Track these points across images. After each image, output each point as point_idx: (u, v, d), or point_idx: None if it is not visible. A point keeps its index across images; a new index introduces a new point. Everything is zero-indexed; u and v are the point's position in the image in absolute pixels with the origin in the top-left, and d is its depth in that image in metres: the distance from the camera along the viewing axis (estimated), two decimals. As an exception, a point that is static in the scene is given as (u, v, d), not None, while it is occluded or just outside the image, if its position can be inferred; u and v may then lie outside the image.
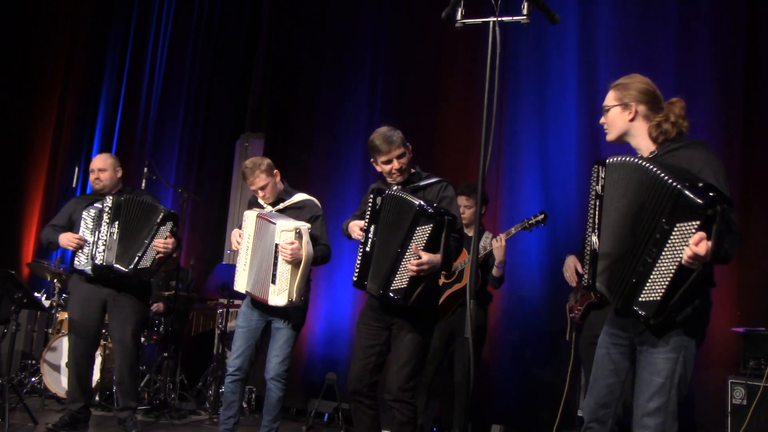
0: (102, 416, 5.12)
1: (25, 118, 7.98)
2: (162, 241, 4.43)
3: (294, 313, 4.09)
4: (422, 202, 3.14)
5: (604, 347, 2.66)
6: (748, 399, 3.89)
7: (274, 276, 3.87)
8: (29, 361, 6.02)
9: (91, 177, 4.69)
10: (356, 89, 6.45)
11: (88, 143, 8.10)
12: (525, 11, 2.57)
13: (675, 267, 2.22)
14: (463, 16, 2.66)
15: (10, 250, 7.58)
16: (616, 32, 5.15)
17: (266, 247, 3.94)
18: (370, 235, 3.33)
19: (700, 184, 2.22)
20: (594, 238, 2.52)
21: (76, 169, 8.00)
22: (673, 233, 2.23)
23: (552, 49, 5.43)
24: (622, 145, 2.70)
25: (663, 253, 2.26)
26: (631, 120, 2.62)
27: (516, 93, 5.51)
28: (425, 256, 3.13)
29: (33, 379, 5.82)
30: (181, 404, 5.74)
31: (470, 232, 4.75)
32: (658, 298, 2.27)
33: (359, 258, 3.36)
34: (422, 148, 5.91)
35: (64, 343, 5.54)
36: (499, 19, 2.57)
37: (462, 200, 4.73)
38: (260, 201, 4.26)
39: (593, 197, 2.55)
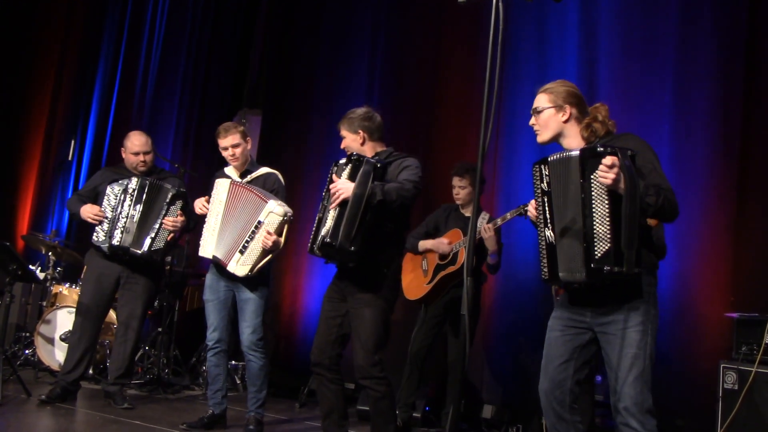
0: (91, 389, 5.13)
1: (22, 91, 7.91)
2: (171, 220, 4.50)
3: (258, 282, 4.13)
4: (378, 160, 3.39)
5: (558, 330, 2.78)
6: (740, 384, 3.90)
7: (244, 248, 3.96)
8: (23, 334, 6.02)
9: (136, 159, 4.65)
10: (355, 66, 6.40)
11: (85, 117, 8.05)
12: (528, -12, 2.54)
13: (607, 209, 2.41)
14: (466, -8, 2.63)
15: (5, 223, 7.57)
16: (617, 14, 5.10)
17: (247, 219, 4.00)
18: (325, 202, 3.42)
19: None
20: (548, 233, 2.63)
21: (72, 142, 7.96)
22: (592, 185, 2.46)
23: (552, 31, 5.38)
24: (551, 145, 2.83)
25: (594, 207, 2.45)
26: (566, 121, 2.75)
27: (516, 74, 5.46)
28: (337, 179, 3.27)
29: (27, 351, 5.82)
30: (174, 379, 5.75)
31: (467, 213, 4.74)
32: (609, 245, 2.41)
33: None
34: (420, 125, 5.89)
35: (59, 315, 5.54)
36: (502, -5, 2.53)
37: (455, 181, 4.70)
38: (227, 171, 4.30)
39: (539, 194, 2.68)
